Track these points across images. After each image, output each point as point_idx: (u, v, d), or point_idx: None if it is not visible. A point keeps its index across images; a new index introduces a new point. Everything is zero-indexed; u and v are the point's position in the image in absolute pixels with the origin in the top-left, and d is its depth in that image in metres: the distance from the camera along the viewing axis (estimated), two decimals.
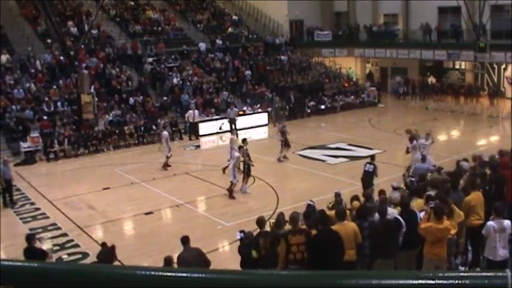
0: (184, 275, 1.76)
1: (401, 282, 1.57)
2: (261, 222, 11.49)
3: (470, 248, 12.56)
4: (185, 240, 11.51)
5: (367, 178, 18.69)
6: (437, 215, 10.15)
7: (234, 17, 49.51)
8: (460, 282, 1.55)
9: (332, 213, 11.36)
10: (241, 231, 12.34)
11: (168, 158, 25.78)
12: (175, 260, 11.27)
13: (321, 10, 52.25)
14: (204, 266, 10.92)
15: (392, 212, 11.37)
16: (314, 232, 10.31)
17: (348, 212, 11.67)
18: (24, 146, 29.15)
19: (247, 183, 21.53)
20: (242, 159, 21.35)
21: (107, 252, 13.07)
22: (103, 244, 13.97)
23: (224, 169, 23.50)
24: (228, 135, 32.90)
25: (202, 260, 11.16)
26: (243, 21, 49.45)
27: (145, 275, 1.80)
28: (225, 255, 15.48)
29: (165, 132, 26.77)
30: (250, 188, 21.63)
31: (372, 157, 19.85)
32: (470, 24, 39.48)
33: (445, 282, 1.54)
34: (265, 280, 1.68)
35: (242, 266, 11.34)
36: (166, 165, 25.81)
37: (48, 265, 2.25)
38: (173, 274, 1.79)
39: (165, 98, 36.51)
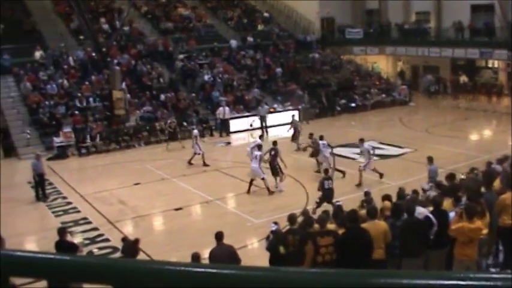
0: (214, 271, 1.77)
1: (432, 282, 1.56)
2: (292, 219, 11.47)
3: (501, 248, 12.40)
4: (219, 236, 11.52)
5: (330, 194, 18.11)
6: (469, 214, 10.04)
7: (265, 14, 49.48)
8: (491, 284, 1.54)
9: (363, 212, 11.29)
10: (275, 223, 12.29)
11: (195, 155, 25.94)
12: (203, 256, 11.32)
13: (352, 8, 51.98)
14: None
15: (424, 211, 11.27)
16: (342, 231, 10.26)
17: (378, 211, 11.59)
18: (57, 140, 29.52)
19: (281, 181, 21.58)
20: (267, 158, 21.55)
21: (131, 246, 13.21)
22: (124, 239, 14.11)
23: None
24: (259, 132, 32.98)
25: (234, 259, 11.17)
26: (274, 19, 49.41)
27: (174, 270, 1.82)
28: (254, 253, 15.49)
29: (196, 131, 26.98)
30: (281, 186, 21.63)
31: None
32: (504, 22, 38.90)
33: (476, 283, 1.53)
34: (293, 277, 1.68)
35: (270, 263, 11.35)
36: (190, 162, 26.10)
37: (79, 258, 2.28)
38: (202, 270, 1.80)
39: (193, 94, 36.63)
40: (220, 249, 11.37)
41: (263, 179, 21.12)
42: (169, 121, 31.07)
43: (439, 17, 46.70)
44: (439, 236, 10.59)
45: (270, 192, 20.97)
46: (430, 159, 18.53)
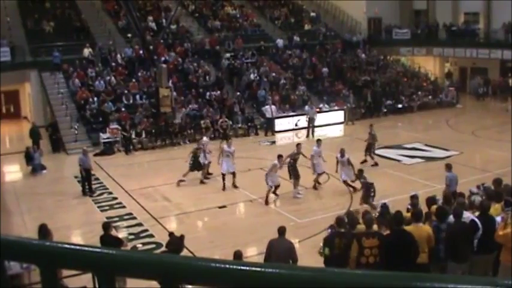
0: (258, 269, 1.77)
1: (478, 287, 1.53)
2: (340, 221, 11.35)
3: None
4: (281, 230, 11.83)
5: None
6: None
7: (311, 13, 49.27)
8: None
9: (407, 214, 11.17)
10: (331, 227, 12.14)
11: (205, 166, 23.71)
12: (245, 254, 11.36)
13: (399, 8, 51.41)
14: (288, 261, 11.13)
15: (469, 215, 11.08)
16: (387, 232, 10.18)
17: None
18: (104, 137, 29.97)
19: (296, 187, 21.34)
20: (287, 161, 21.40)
21: (176, 242, 13.31)
22: (171, 234, 14.22)
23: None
24: (304, 132, 32.78)
25: (291, 255, 11.40)
26: (320, 18, 49.18)
27: (218, 268, 1.82)
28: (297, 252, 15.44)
29: (205, 138, 25.43)
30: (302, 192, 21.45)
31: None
32: None
33: None
34: (338, 279, 1.67)
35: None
36: (207, 174, 23.86)
37: (123, 252, 2.30)
38: (246, 268, 1.80)
39: (239, 93, 36.71)
40: (281, 243, 11.62)
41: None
42: (221, 120, 31.13)
43: (488, 18, 45.88)
44: (485, 242, 10.40)
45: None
46: (449, 167, 18.18)
